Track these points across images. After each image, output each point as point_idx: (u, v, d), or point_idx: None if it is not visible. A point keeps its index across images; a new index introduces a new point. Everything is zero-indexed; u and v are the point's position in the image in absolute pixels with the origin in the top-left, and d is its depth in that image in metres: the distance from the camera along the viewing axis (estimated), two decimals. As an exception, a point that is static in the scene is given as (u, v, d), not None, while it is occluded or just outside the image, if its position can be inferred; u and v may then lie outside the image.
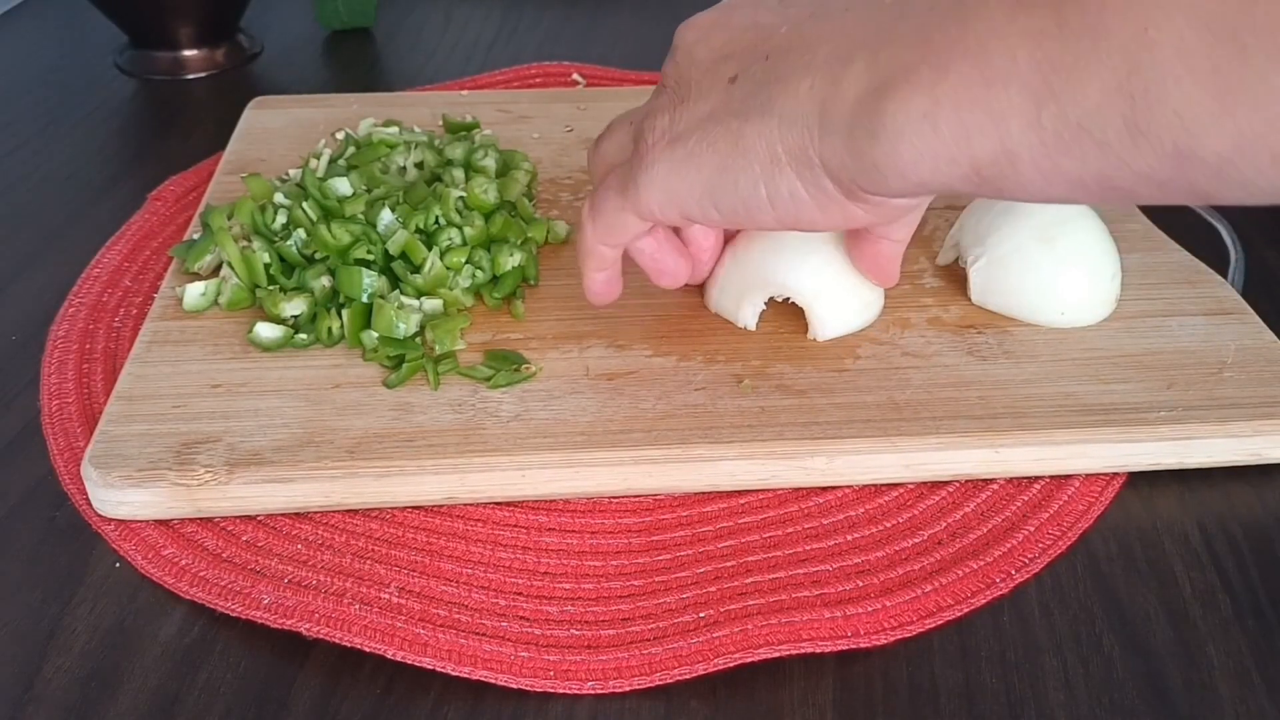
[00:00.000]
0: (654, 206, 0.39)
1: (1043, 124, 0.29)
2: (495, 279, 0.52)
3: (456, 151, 0.59)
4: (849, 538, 0.43)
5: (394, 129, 0.61)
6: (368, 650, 0.39)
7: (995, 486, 0.45)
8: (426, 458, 0.43)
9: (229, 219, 0.53)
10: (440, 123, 0.66)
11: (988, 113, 0.30)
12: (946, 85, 0.30)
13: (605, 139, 0.44)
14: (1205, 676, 0.38)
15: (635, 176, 0.39)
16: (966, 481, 0.45)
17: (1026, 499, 0.44)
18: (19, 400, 0.50)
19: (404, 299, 0.50)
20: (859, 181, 0.34)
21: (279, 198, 0.54)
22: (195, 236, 0.55)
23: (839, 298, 0.48)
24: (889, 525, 0.43)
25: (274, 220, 0.53)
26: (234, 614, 0.40)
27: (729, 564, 0.42)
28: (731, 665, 0.38)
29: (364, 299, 0.49)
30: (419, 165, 0.58)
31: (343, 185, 0.54)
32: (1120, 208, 0.57)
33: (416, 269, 0.51)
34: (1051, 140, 0.29)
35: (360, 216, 0.52)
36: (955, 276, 0.53)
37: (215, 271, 0.53)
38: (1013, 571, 0.42)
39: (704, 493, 0.45)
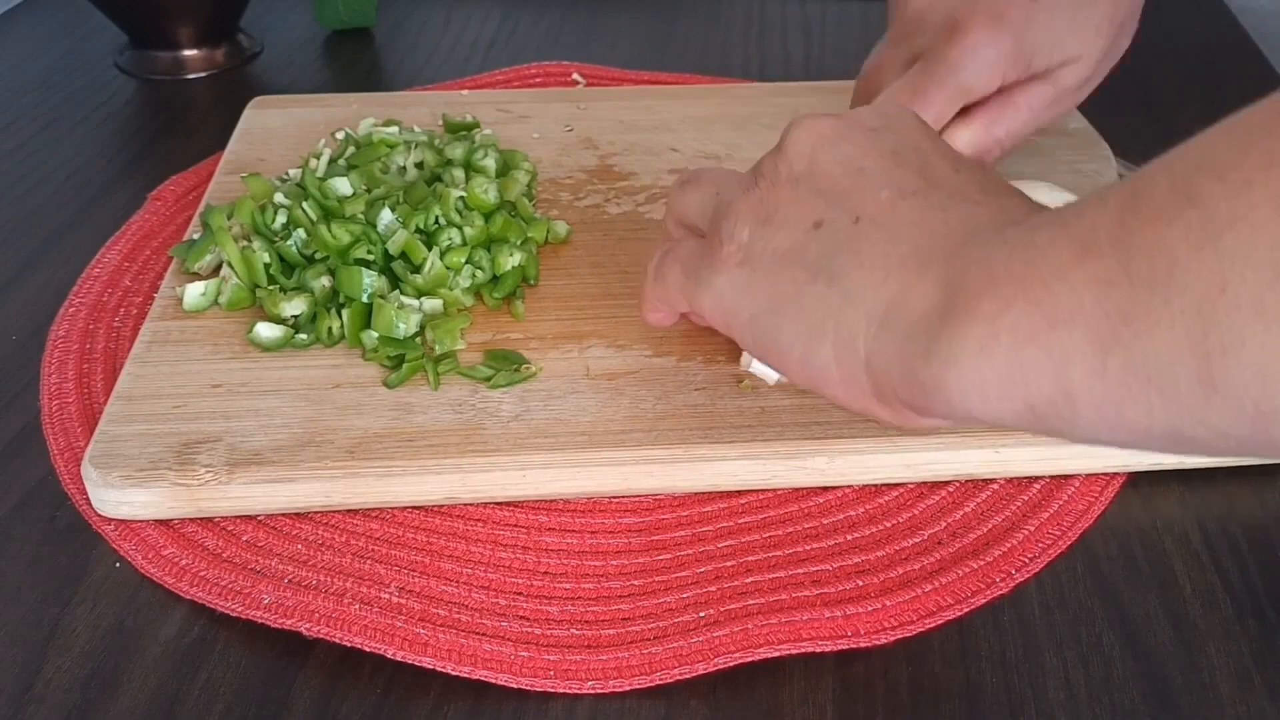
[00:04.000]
0: (705, 308, 0.38)
1: (1107, 371, 0.28)
2: (495, 279, 0.52)
3: (456, 151, 0.59)
4: (849, 537, 0.43)
5: (394, 129, 0.61)
6: (368, 650, 0.39)
7: (995, 486, 0.45)
8: (427, 458, 0.43)
9: (229, 219, 0.53)
10: (440, 123, 0.66)
11: (1048, 353, 0.29)
12: (1007, 320, 0.29)
13: (691, 189, 0.42)
14: (1205, 676, 0.38)
15: (700, 273, 0.38)
16: (966, 481, 0.45)
17: (1026, 499, 0.44)
18: (19, 400, 0.50)
19: (404, 299, 0.50)
20: (899, 393, 0.33)
21: (279, 198, 0.54)
22: (195, 236, 0.55)
23: None
24: (889, 525, 0.43)
25: (274, 220, 0.53)
26: (234, 614, 0.40)
27: (729, 564, 0.42)
28: (731, 665, 0.38)
29: (364, 299, 0.49)
30: (419, 165, 0.58)
31: (343, 185, 0.54)
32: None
33: (416, 269, 0.51)
34: (1116, 388, 0.28)
35: (360, 216, 0.52)
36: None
37: (215, 271, 0.53)
38: (1013, 571, 0.42)
39: (704, 493, 0.45)
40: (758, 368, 0.47)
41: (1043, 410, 0.30)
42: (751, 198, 0.37)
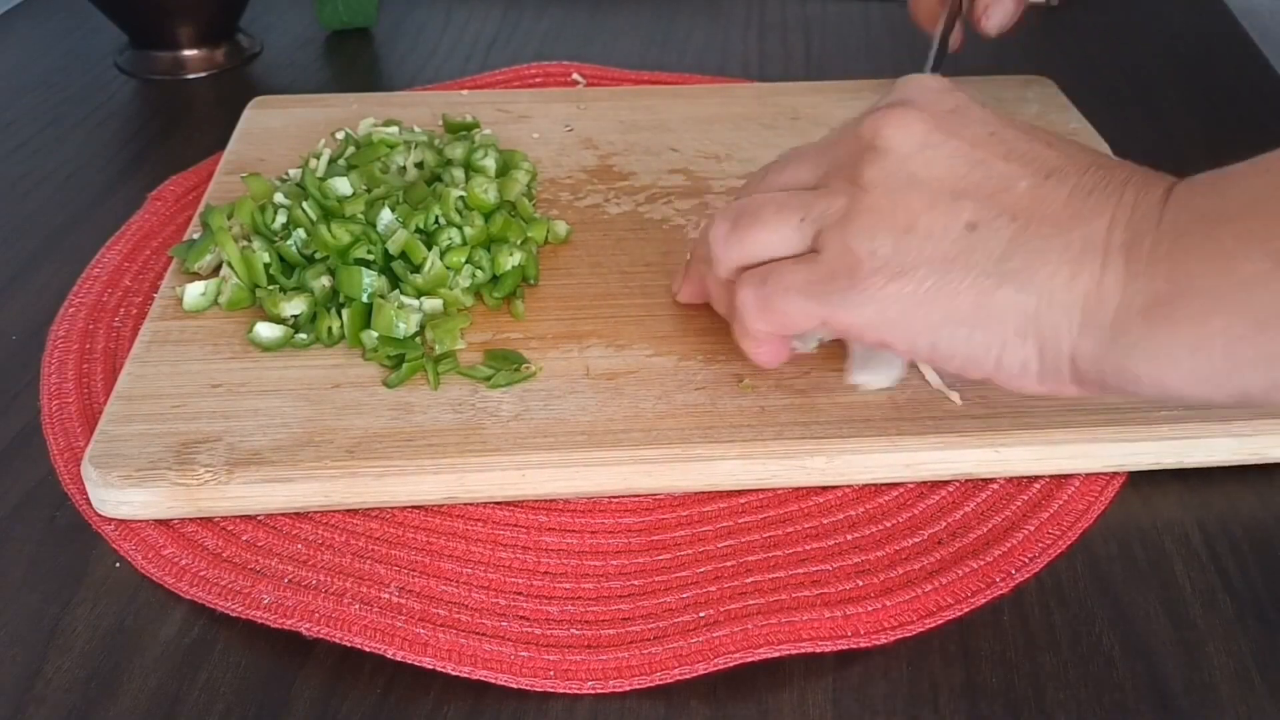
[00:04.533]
0: (859, 328, 0.38)
1: None
2: (495, 279, 0.52)
3: (456, 151, 0.59)
4: (849, 537, 0.43)
5: (394, 129, 0.61)
6: (368, 650, 0.39)
7: (995, 486, 0.45)
8: (426, 458, 0.43)
9: (229, 219, 0.53)
10: (440, 123, 0.66)
11: (1259, 352, 0.32)
12: (1218, 323, 0.32)
13: (753, 227, 0.40)
14: (1205, 677, 0.38)
15: (833, 296, 0.38)
16: (966, 481, 0.45)
17: (1026, 498, 0.44)
18: (19, 400, 0.50)
19: (404, 299, 0.50)
20: (1106, 380, 0.35)
21: (279, 198, 0.54)
22: (195, 236, 0.55)
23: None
24: (889, 525, 0.43)
25: (274, 220, 0.53)
26: (234, 614, 0.40)
27: (729, 564, 0.42)
28: (731, 665, 0.38)
29: (364, 299, 0.49)
30: (419, 165, 0.58)
31: (343, 185, 0.54)
32: None
33: (416, 269, 0.51)
34: None
35: (360, 216, 0.52)
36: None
37: (215, 271, 0.53)
38: (1013, 571, 0.42)
39: (704, 492, 0.45)
40: (863, 378, 0.46)
41: (1256, 397, 0.33)
42: (869, 208, 0.37)
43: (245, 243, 0.52)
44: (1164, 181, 0.35)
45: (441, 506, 0.44)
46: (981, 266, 0.35)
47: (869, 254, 0.37)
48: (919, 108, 0.38)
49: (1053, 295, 0.35)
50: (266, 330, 0.49)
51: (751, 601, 0.40)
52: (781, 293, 0.39)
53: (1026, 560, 0.42)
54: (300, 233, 0.52)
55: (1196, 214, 0.33)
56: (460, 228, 0.52)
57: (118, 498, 0.42)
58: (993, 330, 0.36)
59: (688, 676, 0.38)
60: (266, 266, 0.51)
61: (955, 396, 0.45)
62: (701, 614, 0.40)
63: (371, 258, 0.51)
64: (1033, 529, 0.43)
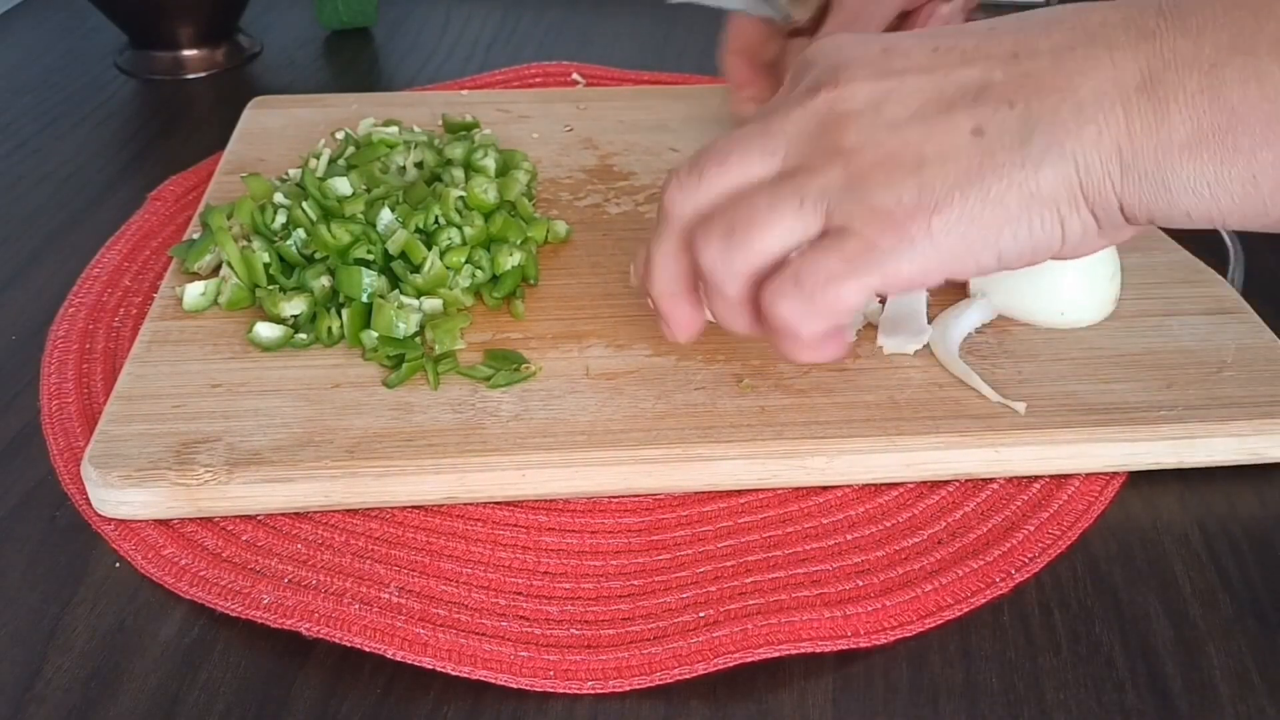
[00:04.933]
0: (921, 276, 0.36)
1: None
2: (495, 279, 0.52)
3: (456, 151, 0.59)
4: (849, 537, 0.43)
5: (394, 129, 0.61)
6: (368, 650, 0.39)
7: (995, 486, 0.45)
8: (426, 458, 0.43)
9: (229, 219, 0.53)
10: (440, 123, 0.66)
11: None
12: (1267, 155, 0.32)
13: (755, 232, 0.37)
14: (1205, 676, 0.38)
15: (892, 254, 0.36)
16: (966, 481, 0.45)
17: (1026, 498, 0.44)
18: (19, 400, 0.50)
19: (404, 299, 0.50)
20: (1155, 218, 0.35)
21: (279, 198, 0.54)
22: (195, 236, 0.55)
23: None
24: (889, 525, 0.43)
25: (274, 220, 0.53)
26: (234, 614, 0.40)
27: (729, 564, 0.42)
28: (731, 665, 0.38)
29: (364, 299, 0.49)
30: (419, 165, 0.58)
31: (342, 185, 0.54)
32: None
33: (416, 269, 0.51)
34: None
35: (360, 216, 0.52)
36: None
37: (215, 271, 0.53)
38: (1013, 571, 0.42)
39: (704, 492, 0.45)
40: (891, 343, 0.47)
41: None
42: (872, 164, 0.36)
43: (245, 243, 0.52)
44: (1141, 10, 0.34)
45: (441, 506, 0.44)
46: (1009, 161, 0.35)
47: (897, 203, 0.35)
48: (855, 64, 0.37)
49: (1087, 156, 0.34)
50: (266, 330, 0.49)
51: (751, 601, 0.40)
52: (825, 285, 0.36)
53: (1026, 560, 0.42)
54: (300, 233, 0.52)
55: (1228, 44, 0.32)
56: (460, 228, 0.52)
57: (117, 498, 0.42)
58: (1048, 213, 0.35)
59: (688, 676, 0.38)
60: (266, 266, 0.51)
61: (1020, 407, 0.45)
62: (701, 614, 0.40)
63: (371, 258, 0.51)
64: (1033, 529, 0.43)
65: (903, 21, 0.56)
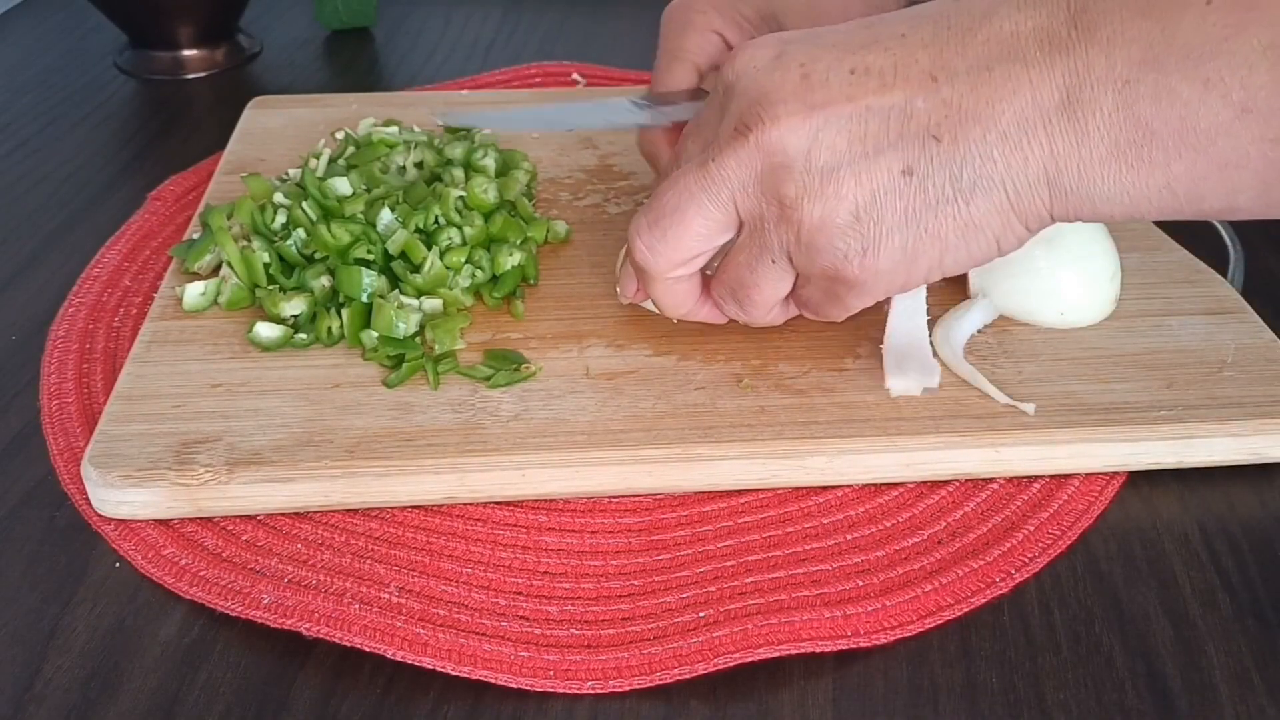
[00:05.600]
0: (877, 298, 0.40)
1: (1269, 199, 0.35)
2: (495, 279, 0.52)
3: (456, 151, 0.59)
4: (849, 537, 0.43)
5: (394, 129, 0.61)
6: (368, 650, 0.39)
7: (995, 486, 0.45)
8: (426, 457, 0.43)
9: (229, 219, 0.53)
10: (440, 122, 0.66)
11: (1223, 187, 0.34)
12: (1179, 167, 0.34)
13: (754, 290, 0.42)
14: (1205, 676, 0.38)
15: (850, 294, 0.40)
16: (966, 481, 0.45)
17: (1026, 498, 0.44)
18: (19, 400, 0.50)
19: (404, 299, 0.50)
20: (1083, 219, 0.37)
21: (279, 197, 0.54)
22: (195, 236, 0.55)
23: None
24: (889, 524, 0.43)
25: (274, 220, 0.53)
26: (234, 614, 0.40)
27: (729, 564, 0.42)
28: (731, 665, 0.38)
29: (364, 299, 0.49)
30: (419, 165, 0.58)
31: (342, 185, 0.54)
32: None
33: (416, 269, 0.51)
34: (1276, 207, 0.35)
35: (360, 216, 0.52)
36: (954, 276, 0.53)
37: (215, 271, 0.53)
38: (1013, 571, 0.42)
39: (704, 492, 0.45)
40: (898, 384, 0.46)
41: (1209, 214, 0.36)
42: (812, 224, 0.38)
43: (245, 243, 0.52)
44: (1051, 17, 0.35)
45: (441, 506, 0.44)
46: (941, 196, 0.36)
47: (843, 257, 0.38)
48: (777, 98, 0.38)
49: (1016, 181, 0.36)
50: (266, 330, 0.49)
51: (751, 601, 0.40)
52: (820, 311, 0.42)
53: (1026, 560, 0.42)
54: (300, 233, 0.52)
55: (1139, 59, 0.33)
56: (460, 228, 0.52)
57: (117, 498, 0.42)
58: (984, 235, 0.37)
59: (688, 676, 0.38)
60: (266, 266, 0.51)
61: (1029, 408, 0.45)
62: (701, 614, 0.40)
63: (371, 258, 0.51)
64: (1033, 529, 0.43)
65: None
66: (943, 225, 0.37)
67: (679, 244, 0.41)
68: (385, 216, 0.52)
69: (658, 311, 0.47)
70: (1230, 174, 0.34)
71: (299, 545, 0.42)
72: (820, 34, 0.39)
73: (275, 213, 0.53)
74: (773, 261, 0.40)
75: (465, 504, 0.44)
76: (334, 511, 0.44)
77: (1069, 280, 0.49)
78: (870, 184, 0.37)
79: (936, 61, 0.36)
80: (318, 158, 0.58)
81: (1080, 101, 0.34)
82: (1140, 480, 0.46)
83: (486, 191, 0.54)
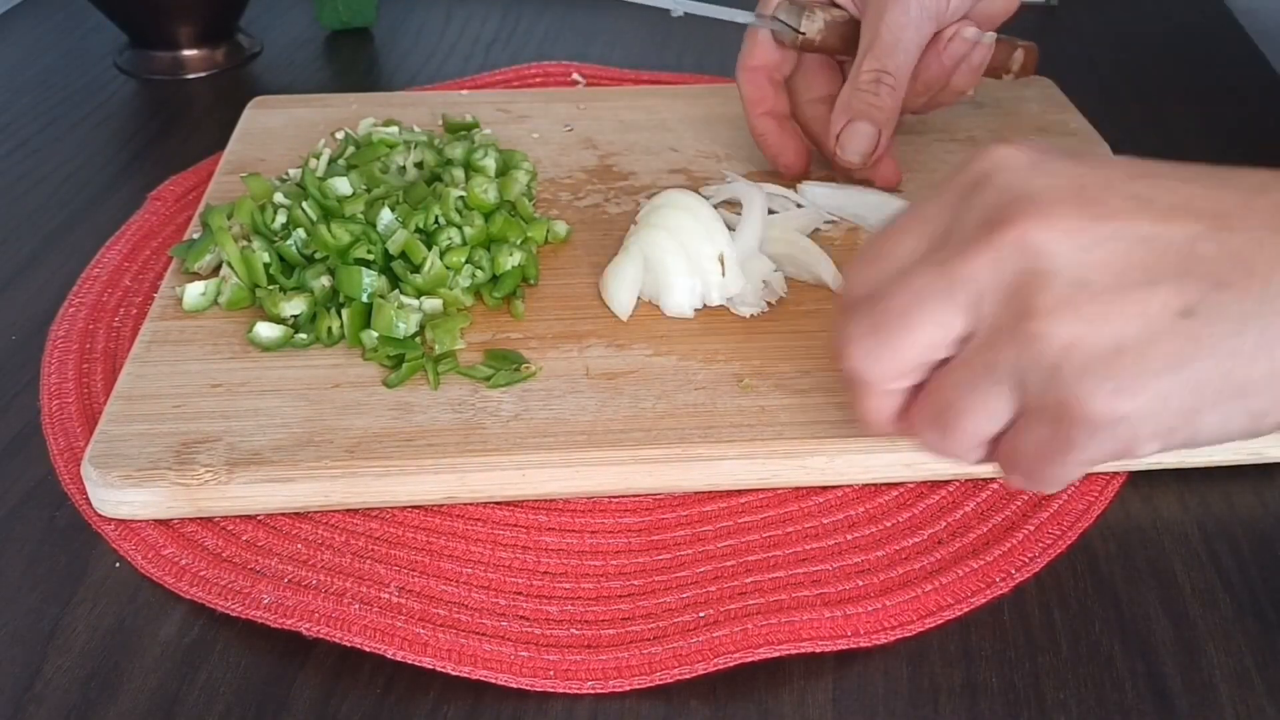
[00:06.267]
0: (1112, 456, 0.34)
1: None
2: (495, 279, 0.52)
3: (456, 151, 0.59)
4: (849, 537, 0.43)
5: (394, 129, 0.61)
6: (368, 650, 0.39)
7: (995, 486, 0.45)
8: (426, 457, 0.43)
9: (229, 219, 0.53)
10: (440, 123, 0.66)
11: None
12: None
13: (966, 418, 0.35)
14: (1205, 676, 0.38)
15: (1082, 442, 0.33)
16: (966, 481, 0.45)
17: (1026, 498, 0.44)
18: (19, 400, 0.50)
19: (404, 299, 0.50)
20: None
21: (279, 197, 0.54)
22: (195, 236, 0.55)
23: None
24: (889, 524, 0.43)
25: (274, 220, 0.53)
26: (234, 614, 0.40)
27: (729, 563, 0.42)
28: (731, 665, 0.38)
29: (364, 299, 0.49)
30: (419, 165, 0.58)
31: (342, 185, 0.54)
32: None
33: (416, 269, 0.51)
34: None
35: (360, 216, 0.52)
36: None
37: (215, 271, 0.53)
38: (1013, 571, 0.42)
39: (704, 492, 0.45)
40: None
41: None
42: (1066, 336, 0.32)
43: (245, 243, 0.52)
44: None
45: (441, 506, 0.44)
46: (1220, 348, 0.32)
47: (1090, 394, 0.32)
48: (1047, 201, 0.33)
49: None
50: (266, 330, 0.49)
51: (751, 601, 0.40)
52: (1038, 468, 0.35)
53: (1026, 560, 0.42)
54: (300, 233, 0.52)
55: None
56: (460, 228, 0.52)
57: (117, 498, 0.42)
58: (1248, 406, 0.33)
59: (688, 676, 0.38)
60: (266, 266, 0.51)
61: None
62: (701, 614, 0.40)
63: (371, 258, 0.51)
64: (1033, 529, 0.43)
65: (930, 46, 0.55)
66: (1211, 380, 0.32)
67: (903, 353, 0.36)
68: (385, 216, 0.52)
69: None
70: None
71: (299, 545, 0.42)
72: (1083, 155, 0.36)
73: (275, 213, 0.53)
74: (995, 383, 0.34)
75: (465, 504, 0.44)
76: (334, 511, 0.44)
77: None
78: (1141, 319, 0.32)
79: (1218, 209, 0.33)
80: (318, 158, 0.58)
81: None
82: (1140, 480, 0.46)
83: (486, 191, 0.54)
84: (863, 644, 0.39)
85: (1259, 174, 0.33)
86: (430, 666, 0.38)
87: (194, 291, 0.51)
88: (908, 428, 0.38)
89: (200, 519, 0.43)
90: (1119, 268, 0.32)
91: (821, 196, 0.58)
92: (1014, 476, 0.36)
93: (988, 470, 0.45)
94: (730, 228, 0.52)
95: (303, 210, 0.52)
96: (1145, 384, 0.32)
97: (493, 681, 0.38)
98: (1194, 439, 0.34)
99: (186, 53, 0.79)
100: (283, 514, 0.43)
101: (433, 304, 0.50)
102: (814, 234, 0.56)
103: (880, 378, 0.37)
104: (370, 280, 0.49)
